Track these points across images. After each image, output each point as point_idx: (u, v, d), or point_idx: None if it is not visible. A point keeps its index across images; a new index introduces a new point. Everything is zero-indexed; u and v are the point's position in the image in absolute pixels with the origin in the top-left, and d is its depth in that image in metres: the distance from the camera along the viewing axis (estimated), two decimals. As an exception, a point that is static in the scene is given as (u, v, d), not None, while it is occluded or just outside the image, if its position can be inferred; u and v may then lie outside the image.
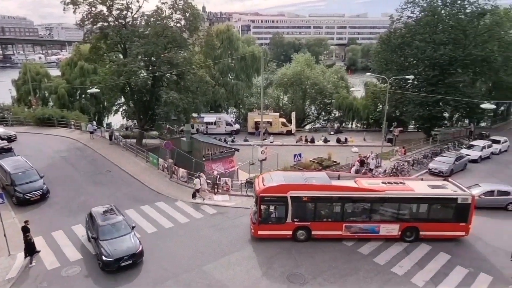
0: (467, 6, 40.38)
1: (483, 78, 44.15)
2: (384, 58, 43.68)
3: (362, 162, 31.32)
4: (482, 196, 22.92)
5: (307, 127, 58.54)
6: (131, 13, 34.71)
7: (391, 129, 45.75)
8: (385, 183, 19.08)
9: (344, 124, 57.37)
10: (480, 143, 36.01)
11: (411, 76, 36.50)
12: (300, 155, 29.01)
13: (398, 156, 35.83)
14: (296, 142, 43.22)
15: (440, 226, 18.71)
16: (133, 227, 18.11)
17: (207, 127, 47.74)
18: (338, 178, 19.97)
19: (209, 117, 48.06)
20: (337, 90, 54.13)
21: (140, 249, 16.86)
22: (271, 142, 42.24)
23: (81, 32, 37.12)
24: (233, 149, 31.33)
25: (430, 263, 17.74)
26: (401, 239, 18.95)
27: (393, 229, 18.73)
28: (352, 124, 56.98)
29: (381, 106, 51.50)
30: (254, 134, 46.86)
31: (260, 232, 18.70)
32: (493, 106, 29.73)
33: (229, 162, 30.46)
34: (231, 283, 15.68)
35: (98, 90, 32.39)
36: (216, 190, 25.67)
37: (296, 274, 16.68)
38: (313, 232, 18.60)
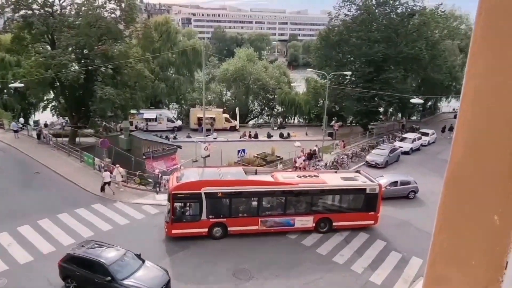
0: (398, 6, 43.26)
1: (413, 74, 47.62)
2: (324, 54, 45.33)
3: (311, 156, 32.44)
4: (388, 187, 24.48)
5: (251, 122, 59.05)
6: (59, 0, 32.53)
7: (332, 123, 47.74)
8: (300, 177, 19.79)
9: (287, 119, 58.68)
10: (411, 135, 38.85)
11: (349, 72, 38.25)
12: (244, 151, 29.24)
13: (338, 149, 37.44)
14: (240, 138, 43.39)
15: (351, 216, 19.68)
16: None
17: (147, 124, 46.29)
18: (256, 173, 20.39)
19: (149, 114, 46.69)
20: (280, 85, 55.17)
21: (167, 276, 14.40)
22: (215, 138, 42.01)
23: (1, 21, 34.07)
24: (175, 146, 30.81)
25: (368, 250, 18.83)
26: (315, 231, 19.70)
27: (307, 221, 19.34)
28: (294, 119, 58.45)
29: (321, 101, 53.45)
30: (197, 131, 46.28)
31: (174, 231, 18.39)
32: (421, 101, 32.22)
33: (171, 159, 30.03)
34: (176, 285, 15.45)
35: (22, 85, 30.01)
36: (158, 189, 25.15)
37: (242, 270, 16.85)
38: (229, 229, 18.63)
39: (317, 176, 20.09)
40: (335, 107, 48.97)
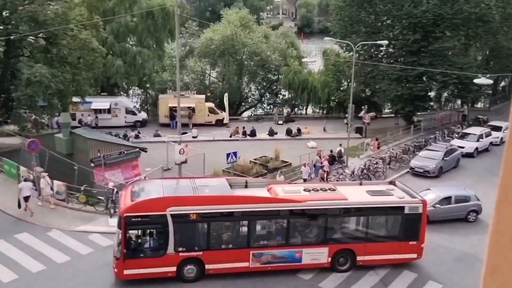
0: None
1: (477, 43, 47.56)
2: (349, 16, 45.30)
3: (334, 159, 32.37)
4: (438, 206, 24.42)
5: (246, 114, 59.02)
6: None
7: (361, 114, 47.61)
8: (309, 191, 19.69)
9: (296, 109, 58.71)
10: (476, 130, 38.68)
11: (385, 42, 38.15)
12: (235, 154, 29.09)
13: (370, 151, 37.26)
14: (231, 136, 43.34)
15: (383, 247, 19.46)
16: None
17: (96, 117, 46.19)
18: (246, 186, 20.35)
19: (100, 103, 46.62)
20: (287, 61, 55.22)
21: None
22: (194, 137, 41.90)
23: None
24: (137, 149, 30.75)
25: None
26: (332, 268, 19.36)
27: (320, 255, 19.06)
28: (307, 109, 58.59)
29: (345, 83, 53.43)
30: (169, 126, 46.30)
31: (126, 272, 17.80)
32: (490, 81, 31.97)
33: (131, 168, 30.03)
34: None
35: None
36: (112, 211, 24.88)
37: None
38: (207, 266, 18.20)
39: (334, 190, 19.97)
40: (365, 92, 48.88)
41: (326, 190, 19.90)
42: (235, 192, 19.34)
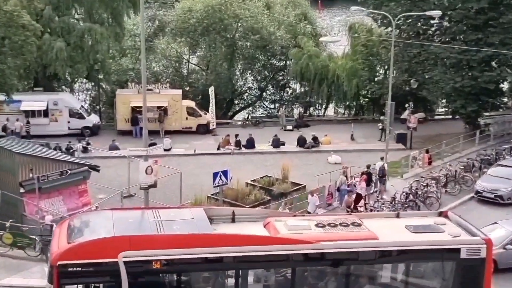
0: None
1: None
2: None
3: (370, 178, 32.43)
4: (510, 247, 24.21)
5: (240, 116, 58.82)
6: None
7: (404, 116, 47.42)
8: (323, 226, 19.36)
9: (312, 109, 58.53)
10: None
11: (438, 12, 38.13)
12: (225, 174, 28.95)
13: (418, 168, 37.10)
14: (219, 148, 43.17)
15: None
16: None
17: (28, 122, 46.05)
18: (233, 220, 20.12)
19: (33, 102, 46.55)
20: (297, 41, 55.28)
21: None
22: (167, 150, 41.74)
23: None
24: (86, 167, 30.62)
25: None
26: None
27: None
28: (327, 108, 58.41)
29: (382, 71, 53.24)
30: (131, 134, 46.28)
31: None
32: None
33: (78, 194, 29.95)
34: None
35: None
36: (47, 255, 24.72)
37: None
38: None
39: (359, 225, 19.66)
40: (409, 83, 48.69)
41: (348, 225, 19.53)
42: (217, 229, 18.97)
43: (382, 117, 46.78)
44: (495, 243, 23.31)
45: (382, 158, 34.83)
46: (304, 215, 25.48)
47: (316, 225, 19.31)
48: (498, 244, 23.45)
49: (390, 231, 19.56)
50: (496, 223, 25.69)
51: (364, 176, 32.10)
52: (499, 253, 23.23)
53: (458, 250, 18.94)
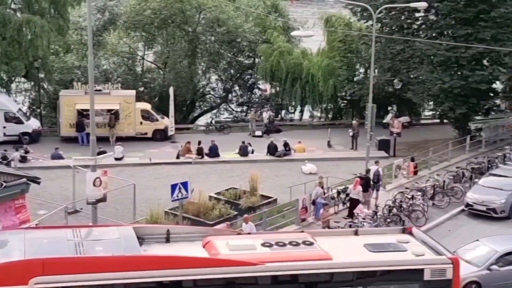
0: None
1: None
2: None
3: (368, 183, 32.67)
4: (495, 268, 24.19)
5: (202, 121, 58.84)
6: None
7: (386, 120, 47.78)
8: (270, 246, 19.32)
9: (284, 112, 58.71)
10: None
11: (423, 4, 38.46)
12: (186, 186, 28.84)
13: (403, 178, 37.32)
14: (179, 157, 43.00)
15: None
16: None
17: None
18: (167, 240, 19.90)
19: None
20: (267, 36, 55.57)
21: None
22: (119, 159, 41.48)
23: None
24: (24, 179, 30.16)
25: None
26: None
27: None
28: (301, 112, 58.67)
29: (362, 70, 53.56)
30: (76, 142, 46.04)
31: None
32: None
33: (14, 210, 29.35)
34: None
35: None
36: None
37: None
38: None
39: (311, 244, 19.65)
40: (392, 84, 49.02)
41: (298, 244, 19.38)
42: (148, 250, 18.77)
43: (353, 122, 47.18)
44: (478, 263, 23.79)
45: (376, 162, 34.95)
46: (254, 233, 25.10)
47: (263, 244, 19.10)
48: (482, 265, 23.70)
49: (346, 250, 19.50)
50: (478, 240, 25.67)
51: (358, 179, 32.21)
52: (483, 275, 23.42)
53: (421, 271, 18.97)
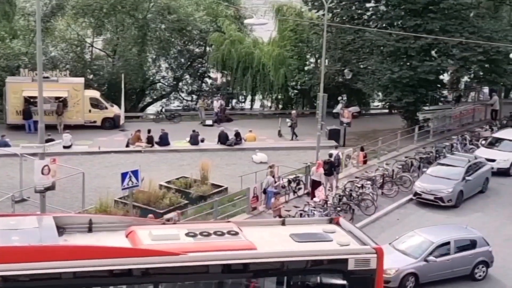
0: None
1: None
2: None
3: (332, 166, 33.28)
4: (432, 259, 24.69)
5: (152, 109, 58.61)
6: None
7: (336, 110, 48.13)
8: (194, 236, 19.33)
9: (235, 101, 58.79)
10: (512, 134, 40.07)
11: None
12: (136, 174, 28.71)
13: (352, 168, 37.70)
14: (128, 146, 42.72)
15: None
16: None
17: None
18: (89, 229, 19.77)
19: None
20: (218, 24, 55.58)
21: None
22: (67, 147, 41.01)
23: None
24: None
25: None
26: None
27: None
28: (252, 101, 58.85)
29: (313, 60, 53.78)
30: (23, 129, 45.65)
31: None
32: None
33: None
34: None
35: None
36: None
37: None
38: None
39: (235, 234, 19.67)
40: (343, 74, 49.36)
41: (223, 234, 19.35)
42: (68, 240, 18.58)
43: (292, 112, 47.44)
44: (415, 254, 24.24)
45: (336, 147, 35.39)
46: (182, 223, 24.85)
47: (187, 234, 18.99)
48: (419, 256, 24.11)
49: (271, 240, 19.58)
50: (413, 231, 26.01)
51: (320, 162, 32.53)
52: (420, 266, 23.85)
53: (345, 261, 19.08)
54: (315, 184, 32.08)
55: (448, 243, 25.15)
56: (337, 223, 21.14)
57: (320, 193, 30.68)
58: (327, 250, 19.19)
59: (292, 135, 45.63)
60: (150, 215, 28.26)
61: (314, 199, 30.62)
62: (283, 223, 21.23)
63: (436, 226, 27.77)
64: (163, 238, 18.67)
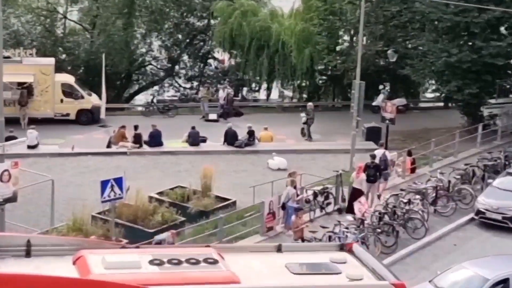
0: None
1: None
2: None
3: (377, 169, 33.10)
4: None
5: (139, 99, 59.07)
6: None
7: (376, 102, 48.25)
8: (160, 264, 19.10)
9: (246, 90, 59.04)
10: None
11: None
12: (120, 183, 28.75)
13: (397, 177, 37.56)
14: (110, 146, 42.84)
15: None
16: None
17: None
18: (28, 254, 19.53)
19: None
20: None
21: None
22: (33, 147, 41.15)
23: None
24: None
25: None
26: None
27: None
28: (269, 90, 59.08)
29: (347, 37, 53.73)
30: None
31: None
32: None
33: None
34: None
35: None
36: None
37: None
38: None
39: (215, 263, 19.50)
40: (385, 57, 49.33)
41: (198, 262, 19.23)
42: (0, 267, 18.64)
43: (308, 104, 47.49)
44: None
45: (382, 145, 35.04)
46: (147, 247, 24.61)
47: (151, 261, 18.91)
48: None
49: (261, 271, 19.60)
50: (461, 264, 25.23)
51: (361, 164, 32.44)
52: None
53: None
54: (356, 194, 31.74)
55: (506, 280, 24.82)
56: (350, 251, 20.92)
57: (360, 205, 30.54)
58: (333, 285, 19.47)
59: (307, 133, 45.66)
60: (168, 233, 28.37)
61: (360, 208, 30.49)
62: (279, 249, 21.05)
63: (492, 257, 27.09)
64: (120, 266, 18.31)
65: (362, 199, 30.94)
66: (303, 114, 45.87)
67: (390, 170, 35.02)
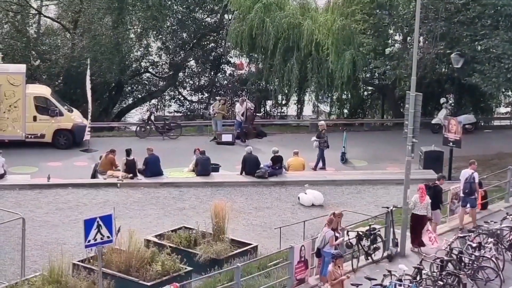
0: None
1: None
2: None
3: (438, 193, 33.03)
4: None
5: (133, 116, 59.39)
6: None
7: (436, 120, 48.22)
8: None
9: (271, 104, 59.24)
10: None
11: None
12: (108, 222, 28.87)
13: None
14: (97, 175, 43.06)
15: None
16: None
17: None
18: None
19: None
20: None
21: None
22: (-2, 178, 41.58)
23: None
24: None
25: None
26: None
27: None
28: (300, 103, 59.38)
29: (398, 37, 54.02)
30: None
31: None
32: None
33: None
34: None
35: None
36: None
37: None
38: None
39: None
40: (447, 62, 49.47)
41: None
42: None
43: (319, 123, 47.60)
44: None
45: (471, 164, 34.95)
46: None
47: None
48: None
49: None
50: None
51: (422, 186, 32.45)
52: None
53: None
54: (417, 224, 31.87)
55: None
56: None
57: (431, 234, 30.50)
58: None
59: (318, 162, 45.51)
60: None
61: (431, 239, 30.48)
62: None
63: None
64: None
65: (429, 226, 31.03)
66: (313, 138, 45.86)
67: (476, 195, 34.48)
